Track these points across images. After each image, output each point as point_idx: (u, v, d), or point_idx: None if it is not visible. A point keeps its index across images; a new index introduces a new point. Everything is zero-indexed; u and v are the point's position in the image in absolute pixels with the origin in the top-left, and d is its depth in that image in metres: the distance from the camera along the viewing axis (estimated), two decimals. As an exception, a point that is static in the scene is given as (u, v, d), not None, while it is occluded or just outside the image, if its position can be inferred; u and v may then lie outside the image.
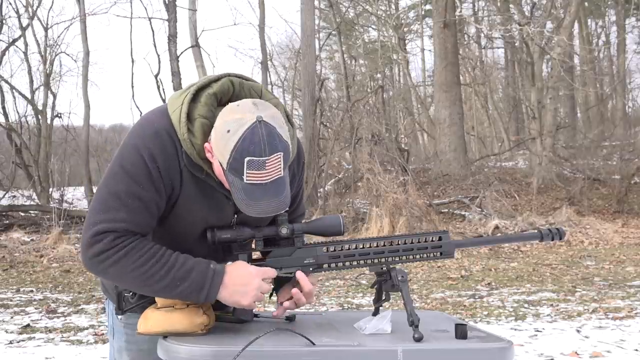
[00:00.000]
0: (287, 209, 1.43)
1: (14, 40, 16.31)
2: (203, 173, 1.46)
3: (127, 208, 1.40)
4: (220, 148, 1.34)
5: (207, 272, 1.43)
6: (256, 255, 1.57)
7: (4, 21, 15.68)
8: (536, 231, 1.60)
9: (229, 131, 1.32)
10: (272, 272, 1.49)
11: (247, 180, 1.33)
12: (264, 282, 1.47)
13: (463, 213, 11.97)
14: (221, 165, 1.37)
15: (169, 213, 1.49)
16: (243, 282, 1.45)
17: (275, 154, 1.32)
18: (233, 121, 1.33)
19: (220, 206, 1.52)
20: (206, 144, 1.41)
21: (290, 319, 1.63)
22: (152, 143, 1.42)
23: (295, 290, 1.53)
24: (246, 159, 1.31)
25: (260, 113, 1.34)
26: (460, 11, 17.09)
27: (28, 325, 5.28)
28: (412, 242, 1.54)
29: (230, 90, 1.48)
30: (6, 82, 16.06)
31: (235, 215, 1.54)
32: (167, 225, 1.50)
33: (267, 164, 1.32)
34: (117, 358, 1.70)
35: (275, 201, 1.36)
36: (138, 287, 1.44)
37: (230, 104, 1.41)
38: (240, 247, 1.54)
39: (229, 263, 1.49)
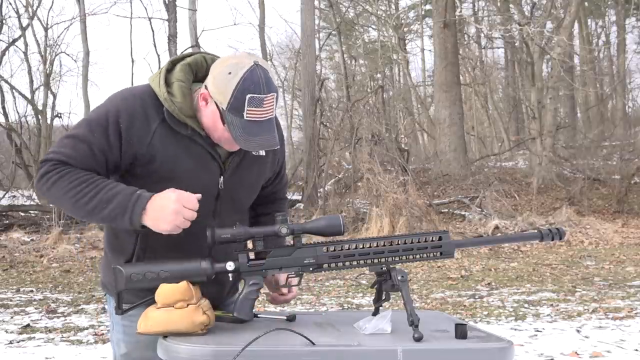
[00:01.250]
0: (277, 147, 1.55)
1: (14, 40, 16.30)
2: (188, 129, 1.54)
3: (74, 148, 1.52)
4: (221, 88, 1.47)
5: (132, 196, 1.48)
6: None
7: (4, 21, 15.68)
8: (536, 231, 1.60)
9: (230, 73, 1.46)
10: (192, 198, 1.48)
11: (247, 117, 1.46)
12: (185, 208, 1.46)
13: (463, 213, 11.96)
14: (219, 108, 1.48)
15: (144, 173, 1.55)
16: (162, 206, 1.46)
17: (272, 94, 1.48)
18: (232, 65, 1.48)
19: (207, 166, 1.58)
20: (203, 91, 1.53)
21: (290, 319, 1.64)
22: (121, 103, 1.55)
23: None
24: (247, 96, 1.44)
25: (256, 59, 1.49)
26: (460, 11, 17.10)
27: (28, 325, 5.28)
28: (412, 242, 1.54)
29: (204, 65, 1.61)
30: (6, 82, 16.06)
31: (222, 177, 1.60)
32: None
33: (264, 102, 1.47)
34: (116, 350, 1.73)
35: (269, 137, 1.50)
36: (71, 208, 1.51)
37: (224, 55, 1.56)
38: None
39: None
